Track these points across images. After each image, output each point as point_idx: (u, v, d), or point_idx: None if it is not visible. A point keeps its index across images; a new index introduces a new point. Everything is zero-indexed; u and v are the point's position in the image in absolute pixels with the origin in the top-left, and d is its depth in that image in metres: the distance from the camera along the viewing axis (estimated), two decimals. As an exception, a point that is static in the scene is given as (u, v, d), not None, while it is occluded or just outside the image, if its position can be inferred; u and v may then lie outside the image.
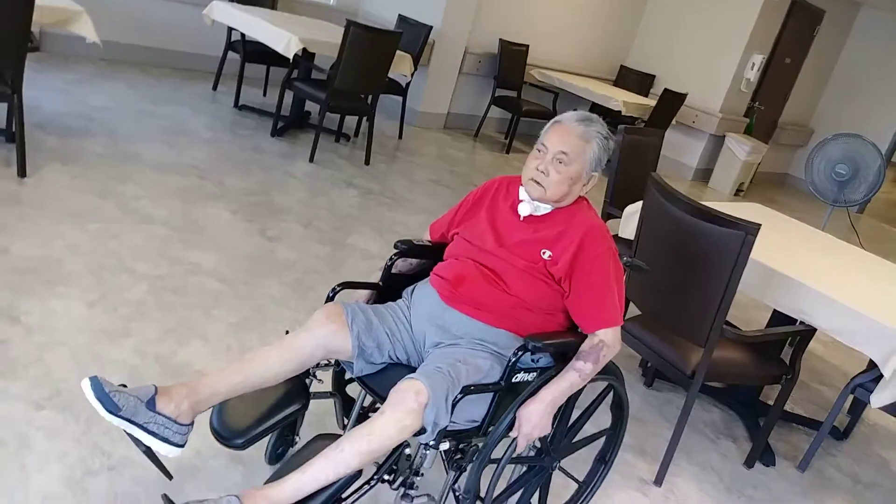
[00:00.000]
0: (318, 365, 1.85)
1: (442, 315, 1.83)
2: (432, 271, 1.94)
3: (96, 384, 1.51)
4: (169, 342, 2.48)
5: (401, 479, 1.72)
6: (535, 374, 1.79)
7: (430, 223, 2.12)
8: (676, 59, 7.96)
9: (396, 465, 1.70)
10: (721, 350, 2.52)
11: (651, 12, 8.23)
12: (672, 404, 3.05)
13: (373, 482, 1.67)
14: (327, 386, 1.99)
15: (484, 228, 1.90)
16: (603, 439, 2.13)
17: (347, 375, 1.99)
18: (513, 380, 1.73)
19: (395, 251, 2.00)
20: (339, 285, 1.89)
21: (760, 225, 2.12)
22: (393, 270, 2.01)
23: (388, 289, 2.00)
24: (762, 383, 3.05)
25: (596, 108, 7.12)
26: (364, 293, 2.00)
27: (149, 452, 1.59)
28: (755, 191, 8.21)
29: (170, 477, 1.67)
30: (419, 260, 2.06)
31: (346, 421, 2.02)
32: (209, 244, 3.25)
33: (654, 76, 8.02)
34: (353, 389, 2.04)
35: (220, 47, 5.53)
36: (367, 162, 5.11)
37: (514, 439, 1.72)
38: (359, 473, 1.58)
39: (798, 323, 2.65)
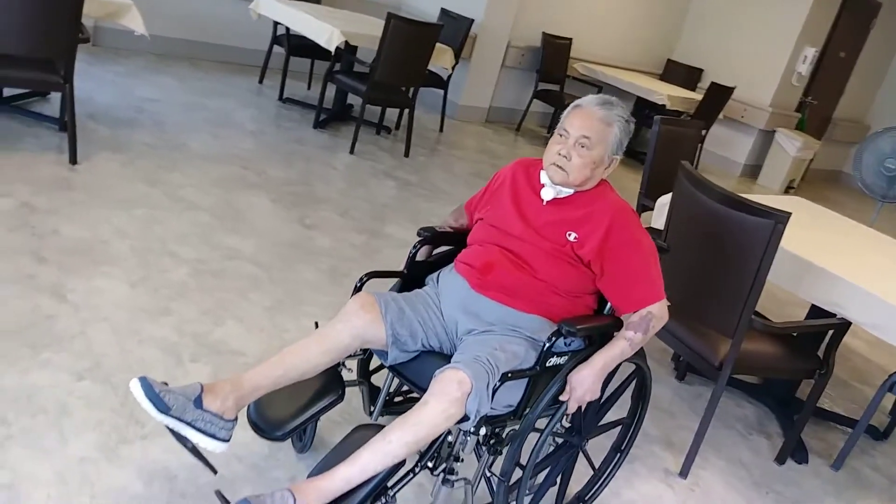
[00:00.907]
0: None
1: (473, 303, 1.84)
2: (457, 258, 1.97)
3: (146, 384, 1.54)
4: (206, 322, 2.57)
5: (443, 465, 1.76)
6: (566, 357, 1.82)
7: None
8: (725, 52, 7.80)
9: (439, 453, 1.74)
10: (751, 342, 2.49)
11: (699, 4, 8.09)
12: (703, 398, 3.01)
13: (417, 470, 1.71)
14: (353, 373, 2.03)
15: (509, 212, 1.91)
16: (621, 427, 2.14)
17: (373, 363, 2.04)
18: (547, 364, 1.77)
19: (419, 238, 2.03)
20: (365, 275, 1.91)
21: (790, 213, 2.08)
22: (417, 258, 2.05)
23: (412, 277, 2.04)
24: (794, 377, 2.99)
25: (640, 102, 7.05)
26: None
27: (194, 449, 1.61)
28: (806, 188, 8.01)
29: (215, 472, 1.67)
30: (443, 247, 2.09)
31: (372, 408, 2.05)
32: (249, 231, 3.34)
33: (701, 70, 7.89)
34: (379, 377, 2.08)
35: (266, 41, 5.66)
36: (406, 154, 5.16)
37: (556, 411, 1.75)
38: (402, 462, 1.61)
39: (838, 318, 2.60)
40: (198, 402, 1.59)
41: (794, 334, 2.85)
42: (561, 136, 1.86)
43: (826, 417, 3.11)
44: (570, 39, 6.88)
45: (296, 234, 3.47)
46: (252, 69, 6.06)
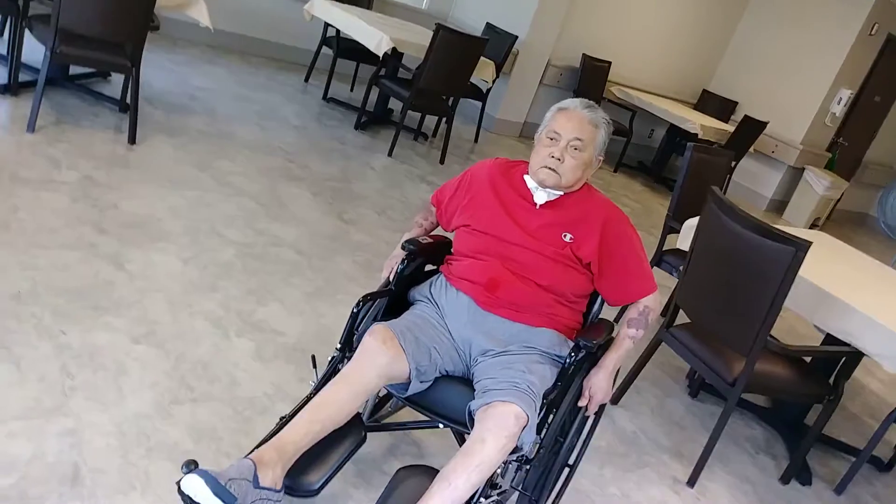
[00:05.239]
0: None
1: (483, 321, 1.86)
2: (453, 273, 1.94)
3: (209, 479, 1.40)
4: (250, 301, 2.73)
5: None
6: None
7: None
8: (761, 87, 7.89)
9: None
10: (765, 363, 2.60)
11: (740, 38, 8.19)
12: (714, 416, 3.11)
13: None
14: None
15: (501, 218, 1.92)
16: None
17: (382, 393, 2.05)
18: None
19: (405, 253, 1.97)
20: (362, 300, 1.83)
21: (811, 242, 2.20)
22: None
23: (396, 292, 1.99)
24: (803, 400, 3.09)
25: (673, 129, 7.17)
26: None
27: None
28: (831, 227, 8.05)
29: None
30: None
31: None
32: (291, 220, 3.51)
33: (736, 103, 7.99)
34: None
35: (315, 42, 5.86)
36: (441, 161, 5.32)
37: (576, 420, 1.80)
38: None
39: (850, 347, 2.70)
40: (256, 482, 1.50)
41: (808, 361, 2.95)
42: (551, 139, 1.90)
43: (833, 445, 3.20)
44: (609, 63, 7.02)
45: (335, 228, 3.63)
46: (299, 68, 6.27)
